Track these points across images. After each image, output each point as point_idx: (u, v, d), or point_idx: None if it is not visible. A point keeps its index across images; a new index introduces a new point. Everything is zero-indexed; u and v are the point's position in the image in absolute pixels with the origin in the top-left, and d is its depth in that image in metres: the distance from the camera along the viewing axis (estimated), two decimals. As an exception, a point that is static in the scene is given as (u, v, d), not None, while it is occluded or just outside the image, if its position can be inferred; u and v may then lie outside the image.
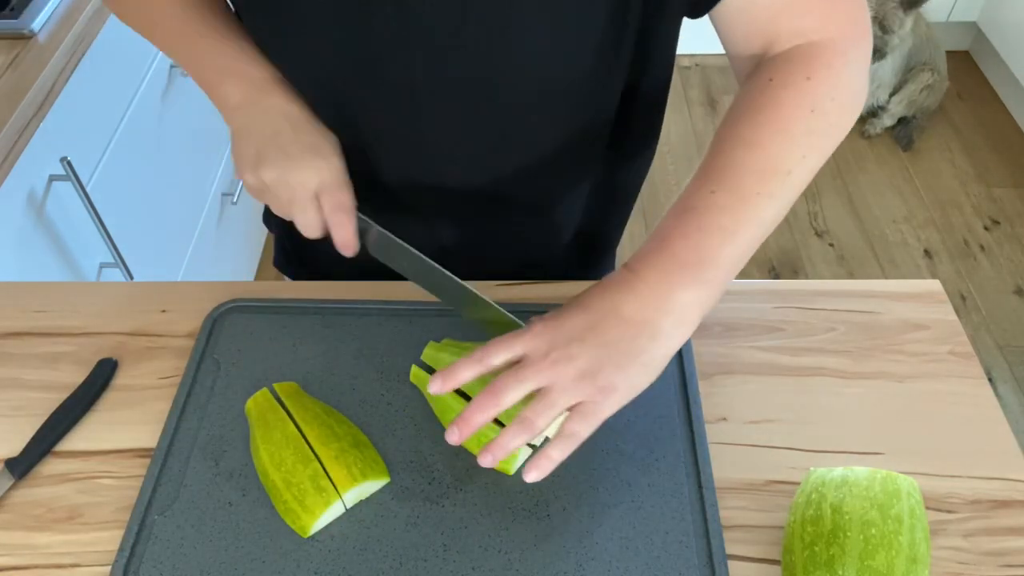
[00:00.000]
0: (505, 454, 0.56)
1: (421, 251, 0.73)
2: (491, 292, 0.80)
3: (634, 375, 0.58)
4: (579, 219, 0.85)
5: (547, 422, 0.57)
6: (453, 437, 0.57)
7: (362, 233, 0.69)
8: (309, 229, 0.69)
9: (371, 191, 0.76)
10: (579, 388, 0.57)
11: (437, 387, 0.58)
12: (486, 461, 0.57)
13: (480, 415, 0.56)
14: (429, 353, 0.68)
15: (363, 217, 0.69)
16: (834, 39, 0.62)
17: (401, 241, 0.67)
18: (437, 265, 0.66)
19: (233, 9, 0.75)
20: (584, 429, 0.57)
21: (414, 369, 0.68)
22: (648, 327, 0.58)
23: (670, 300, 0.58)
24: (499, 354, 0.59)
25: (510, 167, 0.75)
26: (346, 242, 0.68)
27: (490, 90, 0.67)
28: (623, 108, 0.74)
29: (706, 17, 0.66)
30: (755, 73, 0.65)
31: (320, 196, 0.67)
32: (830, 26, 0.62)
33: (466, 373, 0.58)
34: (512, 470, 0.62)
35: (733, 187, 0.59)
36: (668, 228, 0.60)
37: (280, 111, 0.69)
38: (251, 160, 0.67)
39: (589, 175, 0.80)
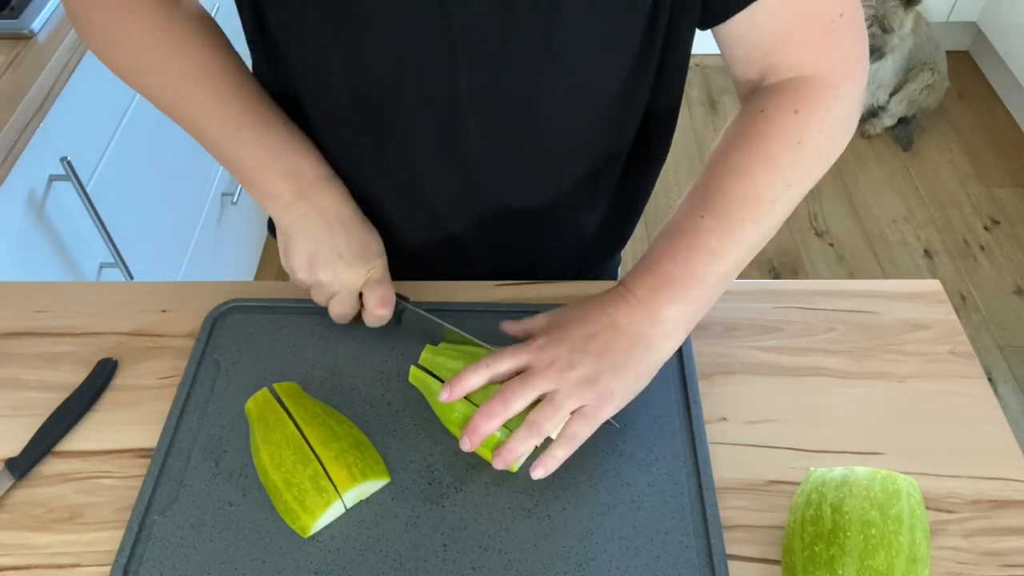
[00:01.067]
0: (515, 458, 0.61)
1: (439, 249, 0.81)
2: (491, 292, 0.80)
3: (630, 382, 0.63)
4: (594, 224, 0.85)
5: (554, 425, 0.61)
6: (466, 446, 0.61)
7: (398, 312, 0.74)
8: (341, 319, 0.74)
9: (400, 189, 0.77)
10: (582, 393, 0.61)
11: (446, 396, 0.62)
12: (499, 464, 0.61)
13: (489, 422, 0.61)
14: (427, 357, 0.68)
15: (400, 296, 0.73)
16: (826, 74, 0.64)
17: (432, 316, 0.72)
18: (467, 335, 0.70)
19: (253, 44, 0.75)
20: (585, 430, 0.62)
21: (413, 370, 0.68)
22: (642, 339, 0.63)
23: (659, 315, 0.63)
24: (506, 362, 0.63)
25: (539, 178, 0.77)
26: (378, 323, 0.73)
27: (530, 104, 0.68)
28: (642, 119, 0.76)
29: None
30: (749, 100, 0.67)
31: (365, 290, 0.72)
32: (823, 62, 0.64)
33: (474, 380, 0.63)
34: (516, 468, 0.63)
35: (721, 213, 0.63)
36: (659, 249, 0.65)
37: (333, 213, 0.71)
38: (305, 260, 0.71)
39: (609, 185, 0.81)
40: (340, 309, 0.73)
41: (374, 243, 0.73)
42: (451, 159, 0.73)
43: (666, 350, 0.64)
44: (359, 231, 0.72)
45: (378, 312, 0.72)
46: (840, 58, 0.64)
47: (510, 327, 0.70)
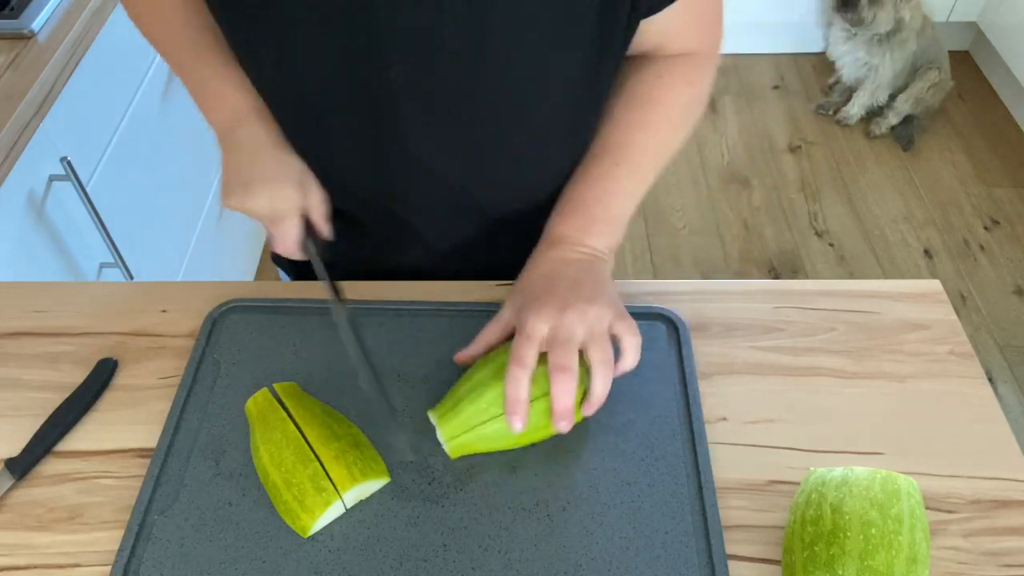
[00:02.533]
0: (569, 409, 0.62)
1: (413, 253, 0.83)
2: (489, 292, 0.80)
3: (600, 286, 0.68)
4: None
5: (575, 359, 0.62)
6: (516, 426, 0.62)
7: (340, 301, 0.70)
8: (286, 243, 0.71)
9: (356, 197, 0.77)
10: (575, 312, 0.64)
11: (465, 356, 0.69)
12: (565, 426, 0.63)
13: (517, 387, 0.62)
14: (458, 445, 0.66)
15: (339, 299, 0.70)
16: (706, 53, 0.78)
17: (352, 336, 0.68)
18: (367, 363, 0.67)
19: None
20: (601, 352, 0.64)
21: (454, 450, 0.66)
22: (585, 262, 0.71)
23: (590, 246, 0.73)
24: (525, 342, 0.64)
25: (493, 175, 0.77)
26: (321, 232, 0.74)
27: (471, 97, 0.68)
28: None
29: None
30: (647, 65, 0.76)
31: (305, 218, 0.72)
32: (705, 43, 0.77)
33: (490, 335, 0.69)
34: (566, 429, 0.64)
35: (632, 162, 0.75)
36: (582, 194, 0.75)
37: (257, 140, 0.71)
38: (239, 190, 0.70)
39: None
40: (281, 232, 0.71)
41: (305, 172, 0.73)
42: (392, 153, 0.72)
43: (601, 266, 0.73)
44: (286, 158, 0.72)
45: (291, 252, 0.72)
46: (715, 41, 0.78)
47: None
